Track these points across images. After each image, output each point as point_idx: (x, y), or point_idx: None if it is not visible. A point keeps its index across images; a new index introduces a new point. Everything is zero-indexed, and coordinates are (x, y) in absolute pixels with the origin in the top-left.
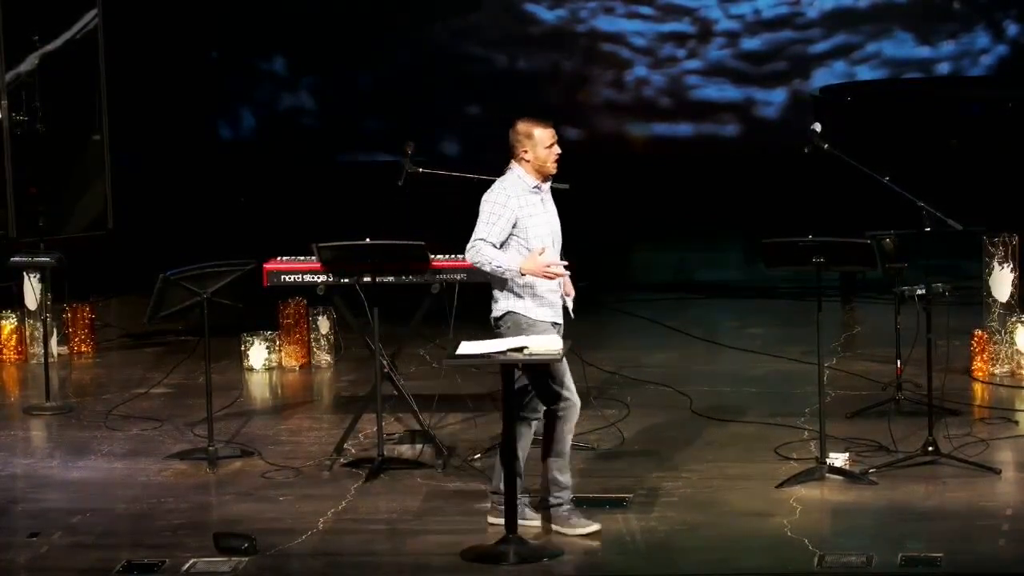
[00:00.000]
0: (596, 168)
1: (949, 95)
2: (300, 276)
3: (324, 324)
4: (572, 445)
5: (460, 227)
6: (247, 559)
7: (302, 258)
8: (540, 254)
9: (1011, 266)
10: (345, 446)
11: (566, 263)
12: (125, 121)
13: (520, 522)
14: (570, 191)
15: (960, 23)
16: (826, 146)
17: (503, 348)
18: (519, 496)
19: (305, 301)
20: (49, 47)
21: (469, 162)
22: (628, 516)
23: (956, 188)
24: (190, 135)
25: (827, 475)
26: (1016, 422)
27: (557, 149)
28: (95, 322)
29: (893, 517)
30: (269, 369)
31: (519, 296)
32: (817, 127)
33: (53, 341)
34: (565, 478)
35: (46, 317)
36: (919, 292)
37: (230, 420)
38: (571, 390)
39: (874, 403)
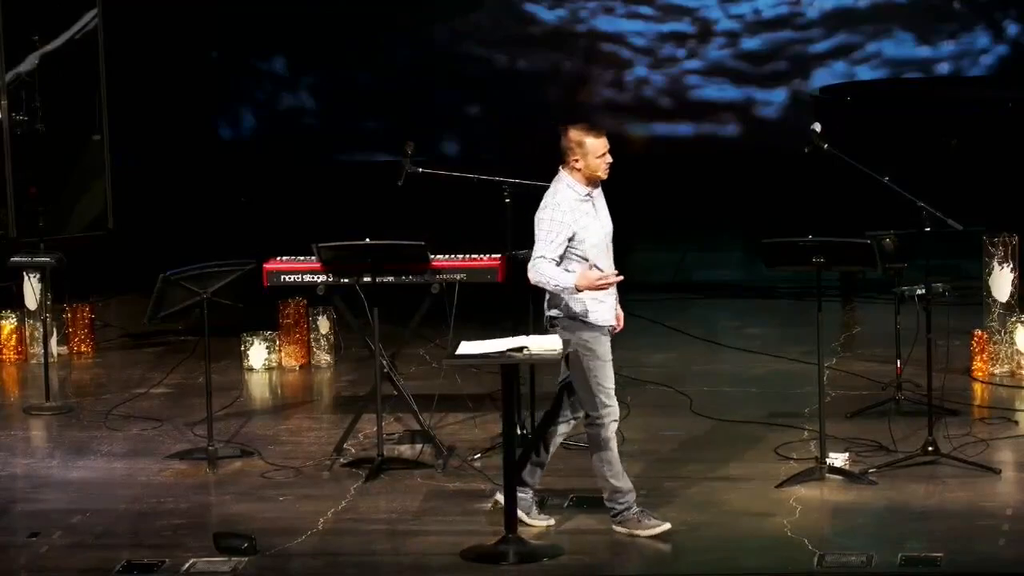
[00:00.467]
0: None
1: (949, 95)
2: (300, 276)
3: (324, 324)
4: (571, 445)
5: (460, 227)
6: (247, 559)
7: (302, 258)
8: (590, 269)
9: (1011, 266)
10: (345, 446)
11: (617, 272)
12: (125, 121)
13: (531, 521)
14: None
15: (960, 23)
16: (826, 146)
17: (503, 348)
18: (532, 496)
19: (305, 301)
20: (49, 47)
21: (469, 162)
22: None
23: (956, 188)
24: (190, 135)
25: (827, 475)
26: (1016, 422)
27: (609, 158)
28: (95, 322)
29: (893, 517)
30: (269, 369)
31: (580, 299)
32: (817, 127)
33: (53, 341)
34: (624, 483)
35: (46, 317)
36: (919, 292)
37: (230, 420)
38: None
39: (874, 403)
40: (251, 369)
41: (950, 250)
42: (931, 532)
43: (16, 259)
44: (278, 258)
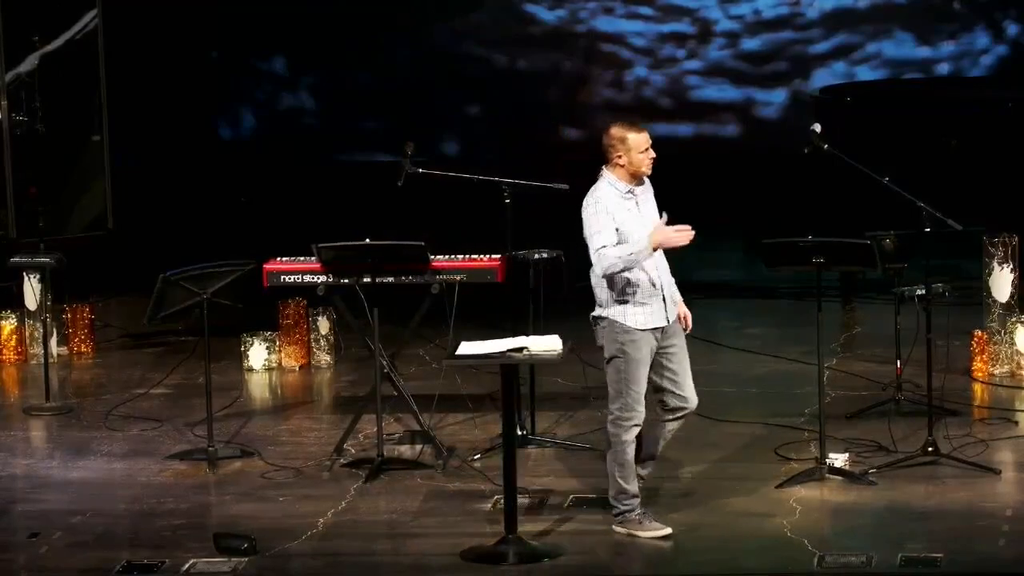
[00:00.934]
0: (596, 168)
1: (949, 95)
2: (300, 276)
3: (324, 324)
4: (570, 445)
5: (460, 227)
6: (247, 559)
7: (302, 258)
8: (665, 223)
9: (1011, 266)
10: (345, 446)
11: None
12: (125, 121)
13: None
14: (569, 191)
15: (960, 23)
16: (826, 146)
17: (503, 348)
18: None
19: (305, 301)
20: (49, 47)
21: (469, 162)
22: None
23: (956, 188)
24: (190, 135)
25: (827, 475)
26: (1016, 422)
27: (652, 153)
28: (95, 322)
29: (893, 517)
30: (269, 369)
31: (619, 301)
32: (817, 127)
33: (53, 341)
34: (632, 487)
35: (46, 317)
36: (919, 292)
37: (230, 420)
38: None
39: (874, 403)
40: (251, 369)
41: (950, 250)
42: (931, 532)
43: (16, 259)
44: (278, 258)
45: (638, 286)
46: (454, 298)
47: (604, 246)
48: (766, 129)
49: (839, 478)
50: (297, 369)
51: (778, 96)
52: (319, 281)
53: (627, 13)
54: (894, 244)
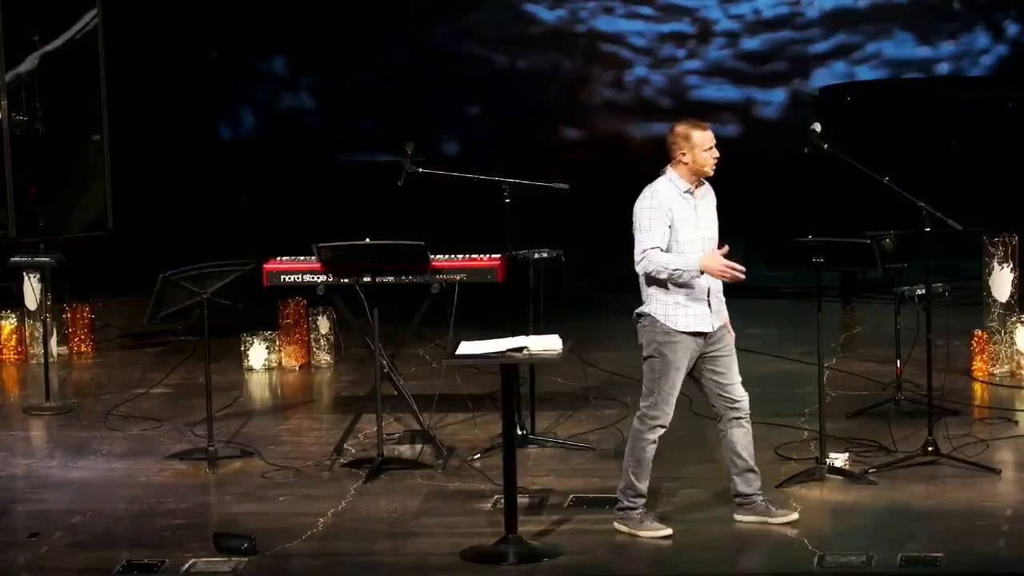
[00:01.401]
0: (596, 168)
1: (949, 95)
2: (300, 276)
3: (324, 324)
4: (570, 445)
5: (460, 227)
6: (247, 559)
7: (302, 258)
8: (724, 254)
9: (1011, 266)
10: (345, 446)
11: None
12: (125, 121)
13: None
14: (570, 191)
15: (960, 23)
16: (826, 146)
17: (503, 348)
18: (762, 499)
19: (305, 301)
20: (49, 47)
21: (469, 162)
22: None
23: (956, 188)
24: (190, 135)
25: (827, 475)
26: (1016, 422)
27: (716, 152)
28: (95, 322)
29: (893, 517)
30: (269, 369)
31: (663, 302)
32: (817, 127)
33: (53, 341)
34: (642, 485)
35: (46, 317)
36: (919, 292)
37: (230, 420)
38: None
39: (874, 403)
40: (251, 369)
41: (950, 250)
42: (931, 532)
43: (16, 259)
44: (278, 258)
45: (686, 287)
46: (454, 298)
47: (653, 247)
48: (766, 129)
49: (839, 478)
50: (297, 369)
51: (778, 96)
52: (319, 281)
53: (627, 13)
54: (894, 244)
